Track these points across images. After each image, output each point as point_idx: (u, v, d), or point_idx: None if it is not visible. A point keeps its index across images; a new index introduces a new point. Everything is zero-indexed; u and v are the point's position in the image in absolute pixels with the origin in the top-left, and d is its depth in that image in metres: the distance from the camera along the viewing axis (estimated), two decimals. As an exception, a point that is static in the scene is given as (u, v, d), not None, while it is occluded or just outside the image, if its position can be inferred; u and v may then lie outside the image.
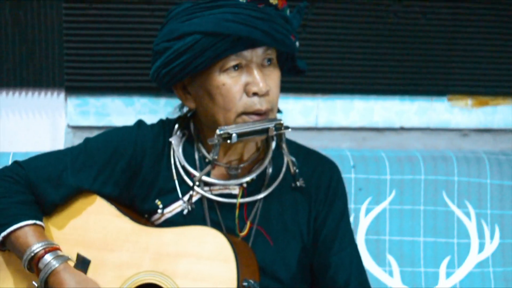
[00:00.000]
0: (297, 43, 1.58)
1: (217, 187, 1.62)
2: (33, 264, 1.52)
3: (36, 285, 1.53)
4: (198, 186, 1.61)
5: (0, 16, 2.08)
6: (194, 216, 1.61)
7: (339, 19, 2.22)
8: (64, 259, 1.53)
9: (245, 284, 1.46)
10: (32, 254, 1.52)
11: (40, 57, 2.13)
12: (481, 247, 2.14)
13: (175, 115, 1.75)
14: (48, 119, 2.20)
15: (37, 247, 1.52)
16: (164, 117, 1.75)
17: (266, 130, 1.52)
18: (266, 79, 1.51)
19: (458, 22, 2.28)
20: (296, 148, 1.72)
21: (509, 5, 2.29)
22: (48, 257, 1.51)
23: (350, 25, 2.23)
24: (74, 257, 1.58)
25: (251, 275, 1.50)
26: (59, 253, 1.54)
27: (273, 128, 1.52)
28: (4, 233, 1.55)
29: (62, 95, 2.18)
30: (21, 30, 2.11)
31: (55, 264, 1.51)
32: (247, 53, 1.50)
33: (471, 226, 2.14)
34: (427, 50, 2.29)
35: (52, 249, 1.53)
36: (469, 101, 2.38)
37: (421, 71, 2.31)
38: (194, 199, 1.62)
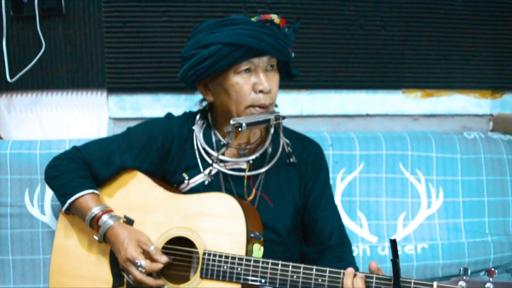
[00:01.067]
0: (293, 54, 1.60)
1: (230, 163, 1.65)
2: (94, 223, 1.56)
3: (96, 238, 1.57)
4: (216, 163, 1.63)
5: (55, 33, 2.08)
6: (213, 185, 1.63)
7: (318, 32, 2.22)
8: (117, 218, 1.56)
9: (252, 235, 1.50)
10: (93, 215, 1.56)
11: (87, 65, 2.13)
12: (429, 205, 2.13)
13: (195, 108, 1.76)
14: (94, 113, 2.20)
15: (96, 210, 1.56)
16: (183, 110, 1.77)
17: (268, 121, 1.55)
18: (269, 81, 1.54)
19: (410, 33, 2.27)
20: (289, 133, 1.74)
21: (450, 20, 2.29)
22: (105, 217, 1.55)
23: (327, 36, 2.22)
24: (122, 218, 1.60)
25: (256, 229, 1.54)
26: (113, 214, 1.57)
27: (274, 119, 1.55)
28: (70, 200, 1.59)
29: (105, 94, 2.18)
30: (71, 44, 2.11)
31: (110, 222, 1.54)
32: (255, 60, 1.53)
33: (421, 188, 2.13)
34: (386, 55, 2.28)
35: (108, 211, 1.57)
36: (418, 93, 2.36)
37: (381, 70, 2.29)
38: (213, 172, 1.64)
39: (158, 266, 1.49)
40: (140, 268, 1.47)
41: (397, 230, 2.11)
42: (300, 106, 2.29)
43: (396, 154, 2.14)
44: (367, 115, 2.36)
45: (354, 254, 2.04)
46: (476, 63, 2.37)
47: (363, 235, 2.09)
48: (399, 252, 2.07)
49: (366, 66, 2.29)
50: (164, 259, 1.49)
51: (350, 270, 1.35)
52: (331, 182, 2.03)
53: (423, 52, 2.32)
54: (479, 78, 2.39)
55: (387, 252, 2.07)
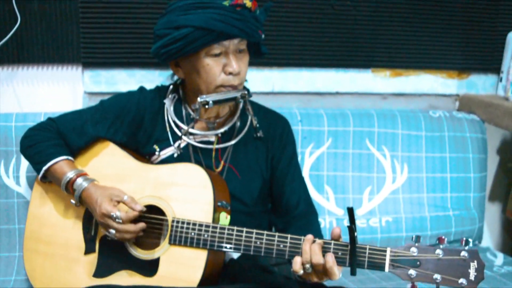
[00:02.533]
0: (263, 36, 1.64)
1: (199, 136, 1.69)
2: (69, 187, 1.60)
3: (73, 202, 1.61)
4: (185, 135, 1.67)
5: (30, 8, 2.06)
6: (182, 158, 1.67)
7: (291, 11, 2.23)
8: (91, 180, 1.60)
9: (219, 204, 1.55)
10: (68, 179, 1.60)
11: (62, 40, 2.12)
12: (394, 180, 2.21)
13: (167, 83, 1.79)
14: (69, 87, 2.20)
15: (71, 174, 1.60)
16: (157, 85, 1.84)
17: (234, 98, 1.60)
18: (239, 62, 1.59)
19: (380, 14, 2.30)
20: (258, 108, 1.78)
21: (419, 1, 2.32)
22: (79, 180, 1.59)
23: (299, 15, 2.24)
24: (95, 180, 1.62)
25: (224, 198, 1.58)
26: (87, 177, 1.61)
27: (240, 97, 1.60)
28: (45, 167, 1.63)
29: (80, 68, 2.18)
30: (47, 19, 2.09)
31: (84, 184, 1.58)
32: (226, 43, 1.56)
33: (386, 164, 2.20)
34: (357, 35, 2.32)
35: (82, 174, 1.61)
36: (387, 72, 2.41)
37: (352, 49, 2.34)
38: (182, 145, 1.68)
39: (134, 214, 1.53)
40: (117, 220, 1.51)
41: (363, 203, 2.19)
42: (271, 83, 2.32)
43: (363, 130, 2.20)
44: (337, 93, 2.40)
45: (321, 226, 2.08)
46: (444, 44, 2.42)
47: (330, 208, 2.16)
48: (364, 225, 2.16)
49: (337, 45, 2.32)
50: (139, 207, 1.53)
51: (309, 236, 1.42)
52: (299, 156, 2.09)
53: (392, 33, 2.36)
54: (446, 58, 2.45)
55: (352, 224, 2.15)
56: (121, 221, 1.52)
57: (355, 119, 2.21)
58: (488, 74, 2.53)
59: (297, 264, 1.39)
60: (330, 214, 2.16)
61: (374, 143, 2.21)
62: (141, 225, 1.55)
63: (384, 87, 2.44)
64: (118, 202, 1.56)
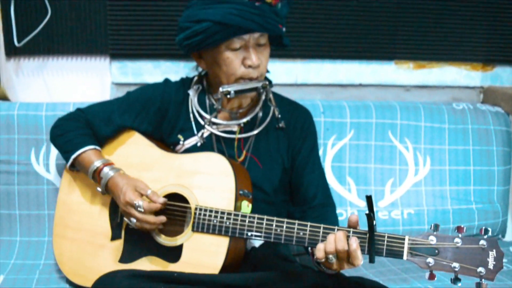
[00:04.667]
0: (284, 29, 1.67)
1: (222, 126, 1.72)
2: (96, 175, 1.65)
3: (99, 190, 1.66)
4: (208, 125, 1.71)
5: (60, 1, 2.12)
6: (205, 147, 1.71)
7: (314, 3, 2.26)
8: (117, 170, 1.65)
9: (241, 192, 1.57)
10: (95, 168, 1.64)
11: (91, 32, 2.17)
12: (416, 172, 2.18)
13: (191, 74, 1.83)
14: (97, 78, 2.25)
15: (98, 163, 1.65)
16: (182, 76, 1.87)
17: (255, 89, 1.64)
18: (259, 55, 1.62)
19: (403, 5, 2.30)
20: (280, 99, 1.81)
21: None
22: (106, 169, 1.64)
23: (323, 7, 2.26)
24: (121, 170, 1.66)
25: (245, 187, 1.61)
26: (114, 166, 1.66)
27: (261, 87, 1.64)
28: (74, 155, 1.68)
29: (108, 60, 2.23)
30: (76, 11, 2.15)
31: (111, 173, 1.63)
32: (246, 36, 1.60)
33: (409, 156, 2.18)
34: (380, 27, 2.32)
35: (109, 164, 1.66)
36: (410, 64, 2.40)
37: (375, 42, 2.34)
38: (205, 135, 1.72)
39: (156, 205, 1.56)
40: (139, 209, 1.55)
41: (385, 195, 2.17)
42: (295, 75, 2.34)
43: (385, 122, 2.19)
44: (360, 85, 2.40)
45: (342, 217, 2.11)
46: (468, 36, 2.40)
47: (352, 200, 2.15)
48: (386, 217, 2.16)
49: (360, 37, 2.33)
50: (161, 199, 1.57)
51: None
52: (322, 148, 2.11)
53: (415, 24, 2.35)
54: (470, 50, 2.42)
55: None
56: (142, 210, 1.56)
57: (378, 111, 2.19)
58: (514, 66, 2.50)
59: (320, 251, 1.40)
60: (352, 206, 2.16)
61: (397, 135, 2.19)
62: (161, 218, 1.58)
63: (407, 79, 2.42)
64: (142, 194, 1.59)
